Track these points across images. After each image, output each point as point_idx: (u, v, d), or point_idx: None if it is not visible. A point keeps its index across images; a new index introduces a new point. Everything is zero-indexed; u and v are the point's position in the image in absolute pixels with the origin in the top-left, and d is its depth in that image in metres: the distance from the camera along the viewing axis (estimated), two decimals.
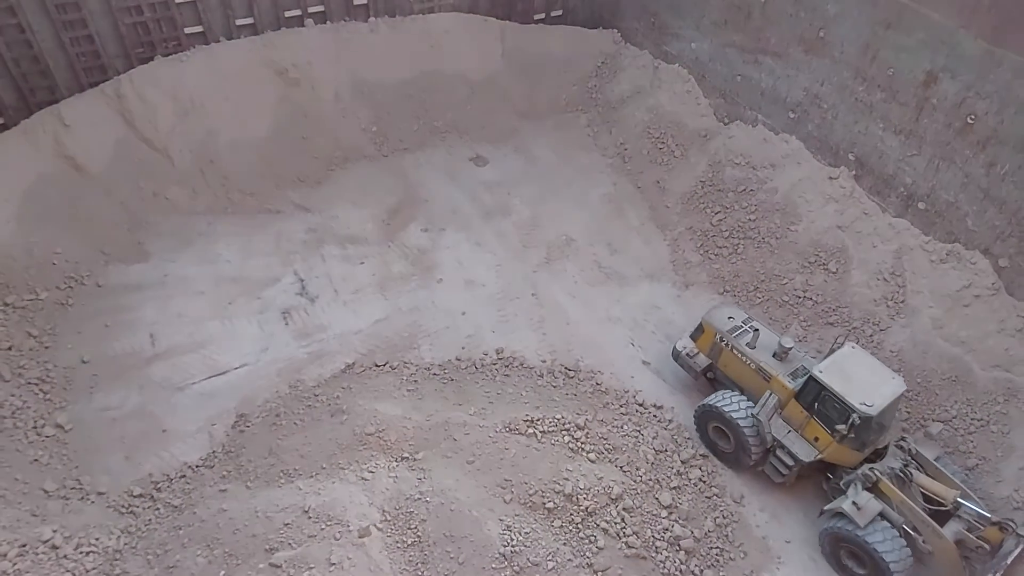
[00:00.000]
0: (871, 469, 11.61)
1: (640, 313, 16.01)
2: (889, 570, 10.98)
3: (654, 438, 13.27)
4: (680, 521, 12.05)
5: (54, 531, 10.71)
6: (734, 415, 12.62)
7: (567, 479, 11.76)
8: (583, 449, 12.65)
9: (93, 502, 11.80)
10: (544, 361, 14.90)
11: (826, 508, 11.94)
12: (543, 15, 22.75)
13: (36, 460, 12.13)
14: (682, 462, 13.09)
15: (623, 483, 12.09)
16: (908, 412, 13.69)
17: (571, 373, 14.68)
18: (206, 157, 17.60)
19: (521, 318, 15.83)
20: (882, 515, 11.39)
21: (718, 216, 17.57)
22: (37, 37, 16.01)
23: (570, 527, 11.44)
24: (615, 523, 11.55)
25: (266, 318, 15.18)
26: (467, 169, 19.68)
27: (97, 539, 10.95)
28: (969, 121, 13.70)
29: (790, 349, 12.74)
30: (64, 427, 12.73)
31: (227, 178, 17.68)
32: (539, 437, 12.71)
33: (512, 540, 10.95)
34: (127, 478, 12.22)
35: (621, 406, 14.06)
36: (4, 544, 10.17)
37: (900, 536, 11.23)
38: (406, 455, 12.21)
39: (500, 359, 14.83)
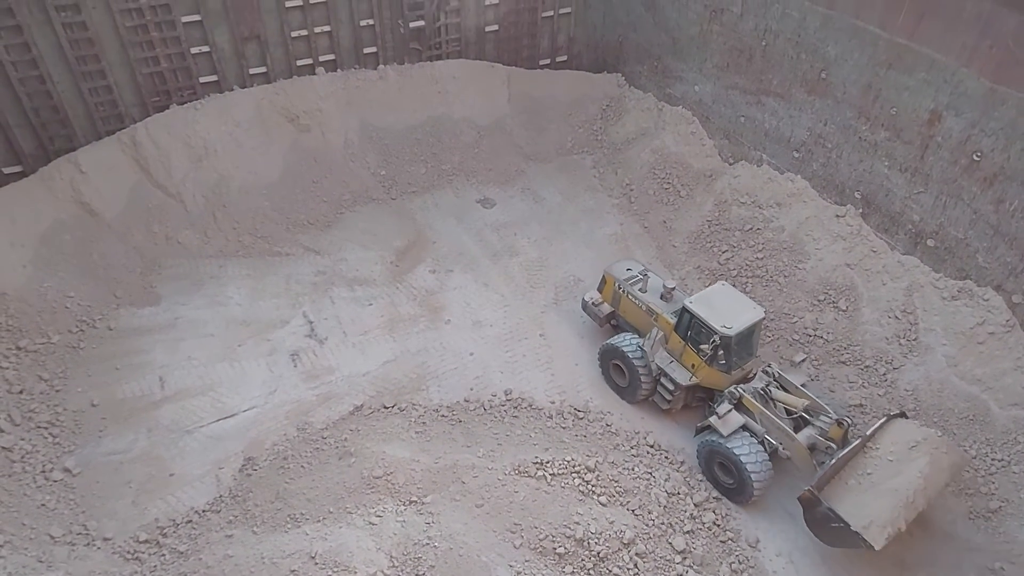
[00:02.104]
0: (735, 387, 13.27)
1: None
2: (748, 475, 12.49)
3: (666, 480, 13.05)
4: (695, 567, 11.76)
5: None
6: (626, 350, 14.32)
7: (578, 523, 11.54)
8: (594, 492, 12.44)
9: (99, 548, 11.66)
10: (553, 402, 14.78)
11: (698, 425, 13.58)
12: (548, 60, 23.27)
13: (43, 505, 12.05)
14: (695, 505, 12.84)
15: (635, 527, 11.84)
16: None
17: (581, 414, 14.55)
18: (218, 201, 17.91)
19: (529, 359, 15.76)
20: (746, 428, 12.96)
21: (725, 255, 17.59)
22: (57, 87, 16.52)
23: (581, 573, 11.16)
24: (628, 569, 11.28)
25: (275, 360, 15.20)
26: (474, 211, 19.89)
27: None
28: (975, 158, 13.75)
29: (673, 289, 14.58)
30: (72, 471, 12.68)
31: (238, 222, 17.94)
32: (549, 480, 12.53)
33: None
34: (133, 523, 12.10)
35: (632, 447, 13.88)
36: None
37: (760, 446, 12.77)
38: (414, 499, 12.04)
39: (509, 400, 14.73)
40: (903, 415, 12.79)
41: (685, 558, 11.81)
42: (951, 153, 14.17)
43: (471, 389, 14.96)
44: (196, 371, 14.70)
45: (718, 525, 12.71)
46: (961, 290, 14.28)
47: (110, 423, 13.58)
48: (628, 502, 12.40)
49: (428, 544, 11.04)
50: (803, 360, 14.64)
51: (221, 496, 12.62)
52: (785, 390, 13.51)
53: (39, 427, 13.19)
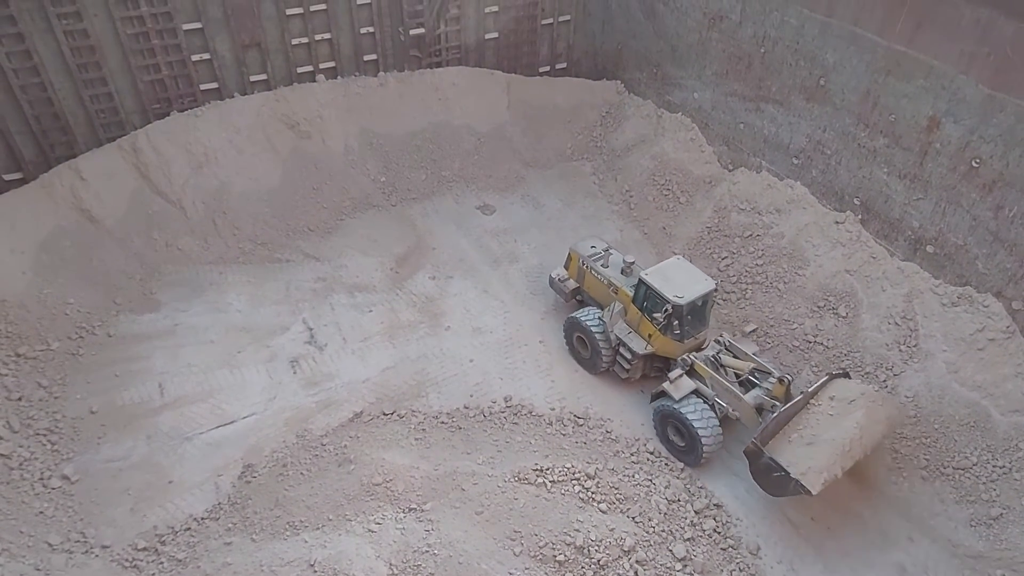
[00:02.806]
0: (687, 355, 14.09)
1: None
2: (698, 436, 13.18)
3: (666, 487, 13.02)
4: (695, 574, 11.71)
5: None
6: (588, 322, 15.14)
7: (578, 530, 11.50)
8: (594, 499, 12.41)
9: (97, 556, 11.62)
10: (553, 409, 14.75)
11: (653, 392, 14.23)
12: (548, 67, 23.36)
13: (41, 512, 12.02)
14: (695, 512, 12.80)
15: (635, 534, 11.80)
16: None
17: (580, 421, 14.52)
18: (218, 208, 17.92)
19: (529, 365, 15.74)
20: (697, 392, 13.70)
21: (725, 261, 17.59)
22: (59, 95, 16.58)
23: None
24: None
25: (275, 367, 15.18)
26: (474, 217, 19.90)
27: None
28: (974, 165, 13.77)
29: (632, 264, 15.35)
30: (70, 479, 12.64)
31: (238, 228, 17.96)
32: (549, 487, 12.50)
33: None
34: (132, 531, 12.05)
35: (632, 454, 13.85)
36: None
37: (711, 409, 13.47)
38: (414, 506, 12.01)
39: (508, 407, 14.70)
40: (846, 375, 13.48)
41: (686, 566, 11.77)
42: (950, 159, 14.18)
43: (471, 396, 14.94)
44: (195, 378, 14.68)
45: (719, 532, 12.67)
46: (961, 296, 14.28)
47: (109, 430, 13.55)
48: (628, 509, 12.37)
49: (428, 552, 11.00)
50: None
51: (220, 503, 12.58)
52: (736, 357, 14.26)
53: (38, 434, 13.16)
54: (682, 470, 13.73)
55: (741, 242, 17.66)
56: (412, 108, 20.82)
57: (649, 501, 12.61)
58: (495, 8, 21.36)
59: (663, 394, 13.88)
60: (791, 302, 16.21)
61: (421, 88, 20.99)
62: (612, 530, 11.63)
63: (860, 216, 16.26)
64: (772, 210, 17.62)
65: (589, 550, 11.29)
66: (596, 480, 12.67)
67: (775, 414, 12.52)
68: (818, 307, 15.85)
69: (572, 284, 16.51)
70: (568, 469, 12.81)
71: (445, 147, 21.03)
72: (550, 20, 22.43)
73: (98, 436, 13.43)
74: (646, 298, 14.24)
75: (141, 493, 12.65)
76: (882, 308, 15.09)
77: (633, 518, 12.23)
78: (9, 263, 15.07)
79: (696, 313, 14.19)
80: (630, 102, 22.41)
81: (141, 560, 11.61)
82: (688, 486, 13.35)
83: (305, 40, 19.26)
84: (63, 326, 15.00)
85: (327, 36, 19.49)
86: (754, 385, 13.63)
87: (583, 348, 15.62)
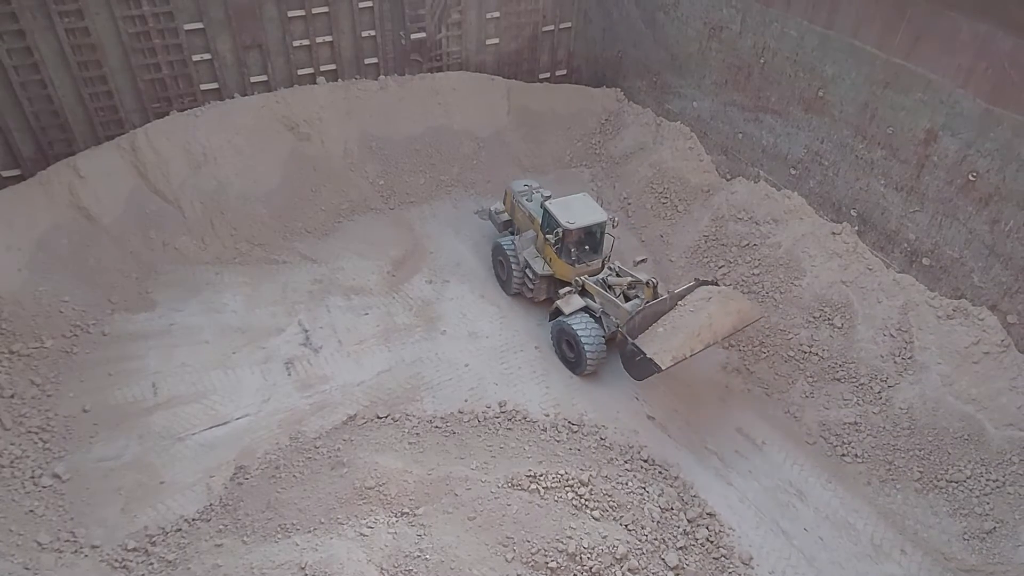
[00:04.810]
0: (579, 277, 15.82)
1: None
2: (583, 347, 14.93)
3: (660, 495, 12.98)
4: None
5: None
6: (505, 246, 17.14)
7: (570, 537, 11.45)
8: (587, 506, 12.37)
9: (86, 555, 11.55)
10: (547, 415, 14.72)
11: (551, 311, 16.11)
12: (548, 74, 23.42)
13: (31, 511, 11.95)
14: (688, 521, 12.77)
15: (628, 542, 11.76)
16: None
17: (575, 427, 14.48)
18: (216, 208, 17.90)
19: (525, 371, 15.73)
20: (587, 310, 15.41)
21: (722, 270, 17.62)
22: (58, 92, 16.57)
23: None
24: None
25: (269, 368, 15.14)
26: (472, 222, 19.91)
27: None
28: (971, 178, 13.82)
29: (549, 197, 16.84)
30: (61, 477, 12.57)
31: (236, 229, 17.93)
32: (542, 493, 12.46)
33: None
34: (122, 531, 11.98)
35: (626, 462, 13.82)
36: None
37: (597, 325, 15.21)
38: (406, 510, 11.96)
39: (503, 412, 14.67)
40: (714, 283, 14.94)
41: (678, 574, 11.73)
42: (947, 173, 14.24)
43: (465, 400, 14.91)
44: (189, 378, 14.64)
45: (711, 541, 12.63)
46: (956, 309, 14.30)
47: (101, 429, 13.49)
48: (621, 517, 12.33)
49: (419, 556, 10.95)
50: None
51: (211, 505, 12.51)
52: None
53: (30, 432, 13.10)
54: (676, 478, 13.70)
55: (738, 251, 17.69)
56: (412, 112, 20.86)
57: (642, 509, 12.58)
58: (496, 14, 21.43)
59: (559, 312, 15.56)
60: (787, 312, 16.23)
61: (421, 92, 21.03)
62: (605, 537, 11.60)
63: (857, 227, 16.30)
64: (769, 220, 17.66)
65: (581, 557, 11.24)
66: (589, 487, 12.63)
67: (641, 308, 14.11)
68: (814, 317, 15.87)
69: (505, 217, 18.48)
70: (561, 476, 12.77)
71: (444, 152, 21.07)
72: (551, 27, 22.51)
73: (90, 435, 13.38)
74: (548, 224, 15.94)
75: (132, 493, 12.59)
76: (877, 320, 15.12)
77: (626, 526, 12.19)
78: (5, 260, 15.03)
79: (590, 241, 16.15)
80: (629, 110, 22.48)
81: (131, 560, 11.53)
82: (681, 494, 13.32)
83: (306, 42, 19.30)
84: (58, 324, 14.95)
85: (328, 39, 19.53)
86: (635, 298, 15.25)
87: (502, 271, 17.58)
